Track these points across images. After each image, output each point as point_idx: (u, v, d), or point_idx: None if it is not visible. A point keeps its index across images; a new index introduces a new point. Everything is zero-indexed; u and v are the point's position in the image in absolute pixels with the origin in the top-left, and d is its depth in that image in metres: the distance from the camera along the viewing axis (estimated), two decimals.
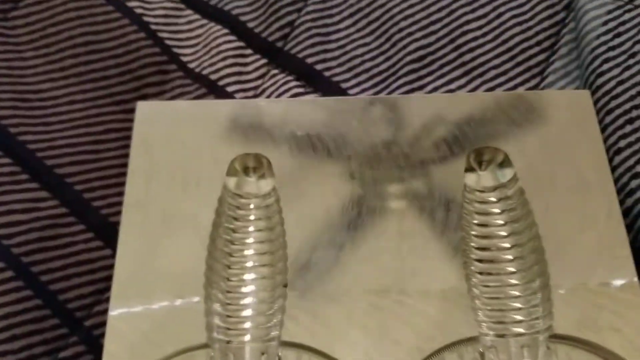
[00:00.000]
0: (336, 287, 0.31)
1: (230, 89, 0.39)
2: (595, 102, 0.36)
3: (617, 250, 0.31)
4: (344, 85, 0.40)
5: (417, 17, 0.41)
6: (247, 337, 0.30)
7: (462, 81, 0.39)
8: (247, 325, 0.31)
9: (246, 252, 0.33)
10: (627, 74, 0.37)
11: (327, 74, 0.40)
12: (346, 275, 0.31)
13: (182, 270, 0.31)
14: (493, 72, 0.40)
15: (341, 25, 0.42)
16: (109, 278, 0.31)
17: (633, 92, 0.36)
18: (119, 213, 0.33)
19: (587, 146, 0.34)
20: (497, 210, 0.34)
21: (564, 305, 0.30)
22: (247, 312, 0.31)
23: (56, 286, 0.31)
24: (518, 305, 0.31)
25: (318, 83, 0.40)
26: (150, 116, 0.35)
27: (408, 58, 0.40)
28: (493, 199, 0.34)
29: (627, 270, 0.31)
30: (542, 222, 0.32)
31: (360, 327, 0.30)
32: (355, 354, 0.29)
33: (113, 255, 0.32)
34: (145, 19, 0.41)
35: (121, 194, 0.33)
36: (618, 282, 0.30)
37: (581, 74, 0.38)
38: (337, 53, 0.41)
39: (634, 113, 0.35)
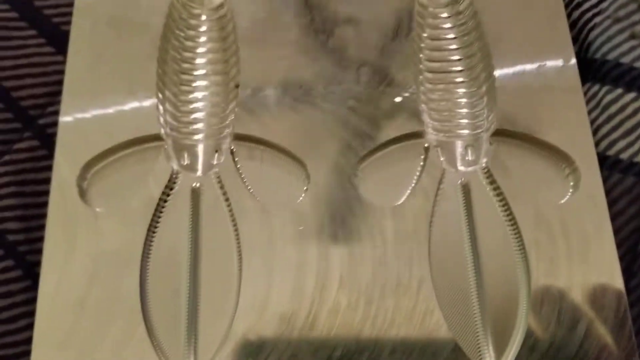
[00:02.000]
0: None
1: None
2: None
3: (561, 55, 0.32)
4: None
5: None
6: (200, 136, 0.31)
7: None
8: (200, 125, 0.31)
9: (198, 61, 0.33)
10: None
11: None
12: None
13: (134, 71, 0.31)
14: None
15: None
16: (61, 83, 0.31)
17: None
18: (70, 23, 0.32)
19: None
20: (448, 25, 0.34)
21: (509, 104, 0.31)
22: (200, 115, 0.32)
23: (8, 83, 0.31)
24: (465, 110, 0.33)
25: None
26: None
27: None
28: (444, 15, 0.35)
29: (570, 75, 0.32)
30: (490, 30, 0.33)
31: (313, 124, 0.31)
32: (307, 145, 0.30)
33: (65, 62, 0.32)
34: None
35: (72, 4, 0.33)
36: (561, 85, 0.31)
37: None
38: None
39: None
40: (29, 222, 0.30)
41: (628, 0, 0.33)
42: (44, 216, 0.29)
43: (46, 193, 0.29)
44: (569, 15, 0.34)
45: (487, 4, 0.33)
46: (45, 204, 0.29)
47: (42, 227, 0.29)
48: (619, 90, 0.31)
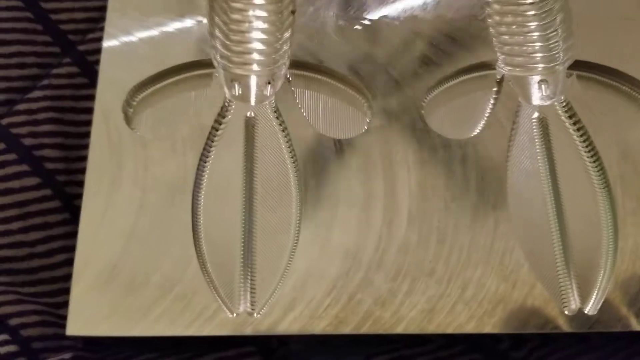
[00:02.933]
0: None
1: None
2: None
3: None
4: None
5: None
6: (254, 67, 0.29)
7: None
8: (252, 56, 0.29)
9: None
10: None
11: None
12: None
13: None
14: None
15: None
16: (102, 9, 0.29)
17: None
18: None
19: None
20: None
21: (587, 35, 0.29)
22: (251, 45, 0.29)
23: (48, 5, 0.29)
24: (539, 44, 0.30)
25: None
26: None
27: None
28: None
29: None
30: None
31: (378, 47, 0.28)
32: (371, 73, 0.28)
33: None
34: None
35: None
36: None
37: None
38: None
39: None
40: (69, 152, 0.27)
41: None
42: (84, 147, 0.27)
43: (86, 123, 0.27)
44: None
45: None
46: (85, 135, 0.27)
47: (82, 159, 0.27)
48: None
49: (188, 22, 0.29)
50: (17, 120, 0.27)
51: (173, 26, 0.28)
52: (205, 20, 0.29)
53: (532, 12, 0.31)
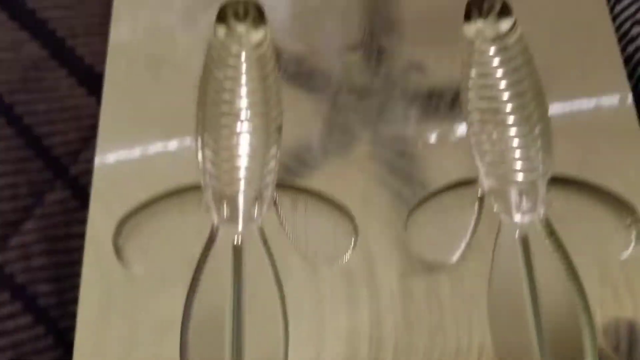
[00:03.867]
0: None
1: None
2: None
3: (618, 94, 0.30)
4: None
5: None
6: (241, 184, 0.29)
7: None
8: (241, 172, 0.30)
9: (238, 102, 0.31)
10: None
11: None
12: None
13: (172, 113, 0.30)
14: None
15: None
16: (95, 127, 0.30)
17: None
18: (103, 62, 0.31)
19: None
20: (496, 61, 0.33)
21: (563, 143, 0.30)
22: (240, 161, 0.30)
23: (40, 130, 0.30)
24: (518, 153, 0.31)
25: None
26: None
27: None
28: (492, 50, 0.33)
29: (628, 114, 0.30)
30: (542, 69, 0.31)
31: (360, 171, 0.29)
32: (354, 194, 0.28)
33: (99, 104, 0.31)
34: None
35: (106, 42, 0.31)
36: (619, 126, 0.30)
37: None
38: None
39: None
40: (61, 283, 0.28)
41: None
42: (76, 275, 0.27)
43: (79, 249, 0.28)
44: (623, 49, 0.32)
45: (538, 40, 0.32)
46: (77, 262, 0.27)
47: (74, 288, 0.27)
48: None
49: (178, 144, 0.29)
50: (10, 257, 0.28)
51: (163, 147, 0.29)
52: (193, 143, 0.30)
53: (512, 120, 0.32)
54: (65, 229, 0.29)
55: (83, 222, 0.28)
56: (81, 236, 0.28)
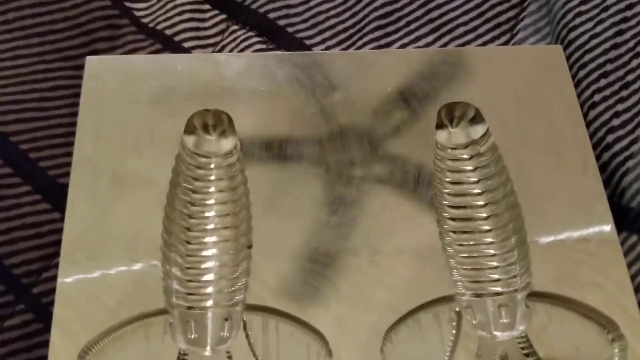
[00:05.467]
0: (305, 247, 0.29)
1: (187, 44, 0.37)
2: (568, 57, 0.35)
3: (595, 204, 0.30)
4: (308, 42, 0.38)
5: None
6: (209, 303, 0.28)
7: (430, 38, 0.38)
8: (209, 290, 0.29)
9: (207, 214, 0.31)
10: (599, 27, 0.36)
11: (290, 29, 0.38)
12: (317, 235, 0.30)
13: (136, 232, 0.29)
14: (462, 29, 0.38)
15: None
16: (57, 243, 0.29)
17: (607, 45, 0.35)
18: (67, 174, 0.30)
19: (561, 101, 0.33)
20: (469, 168, 0.32)
21: (542, 261, 0.29)
22: (209, 277, 0.29)
23: (1, 250, 0.29)
24: (494, 264, 0.30)
25: (280, 39, 0.38)
26: (100, 71, 0.33)
27: (374, 14, 0.38)
28: (465, 156, 0.33)
29: (605, 225, 0.30)
30: (517, 179, 0.31)
31: (332, 289, 0.28)
32: (326, 317, 0.27)
33: (62, 219, 0.30)
34: None
35: (70, 154, 0.31)
36: (597, 238, 0.29)
37: (552, 30, 0.37)
38: (300, 8, 0.39)
39: (608, 67, 0.34)
40: None
41: None
42: None
43: None
44: (598, 157, 0.32)
45: (510, 151, 0.31)
46: None
47: None
48: None
49: (144, 264, 0.28)
50: None
51: (128, 268, 0.28)
52: (159, 262, 0.29)
53: (487, 228, 0.31)
54: (26, 354, 0.27)
55: (47, 345, 0.26)
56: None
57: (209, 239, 0.30)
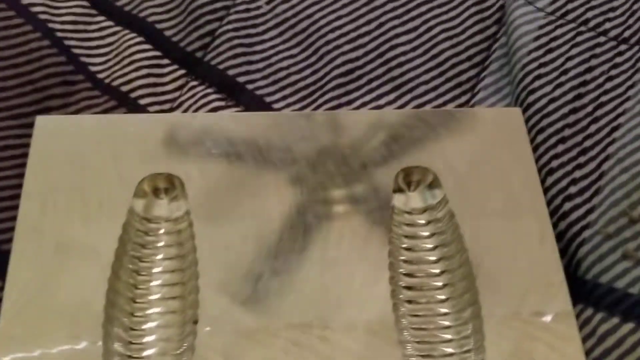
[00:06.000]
0: (253, 322, 0.28)
1: (143, 101, 0.36)
2: (527, 120, 0.35)
3: (551, 276, 0.30)
4: (268, 99, 0.37)
5: (345, 29, 0.39)
6: None
7: (391, 97, 0.38)
8: None
9: (153, 283, 0.30)
10: (558, 91, 0.35)
11: (250, 86, 0.37)
12: (264, 308, 0.29)
13: (79, 307, 0.28)
14: (423, 88, 0.38)
15: (266, 36, 0.39)
16: None
17: (565, 110, 0.35)
18: (11, 240, 0.29)
19: (519, 166, 0.33)
20: (426, 234, 0.32)
21: (496, 336, 0.28)
22: (152, 351, 0.28)
23: None
24: (448, 336, 0.30)
25: (240, 96, 0.37)
26: (51, 131, 0.32)
27: (336, 72, 0.38)
28: (422, 221, 0.32)
29: (561, 298, 0.29)
30: (472, 247, 0.31)
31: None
32: None
33: (2, 288, 0.29)
34: (51, 25, 0.37)
35: (15, 218, 0.30)
36: (552, 311, 0.29)
37: (512, 91, 0.37)
38: (261, 65, 0.38)
39: (567, 132, 0.34)
40: None
41: (617, 214, 0.31)
42: None
43: None
44: (555, 225, 0.32)
45: (466, 218, 0.31)
46: None
47: None
48: (615, 320, 0.29)
49: (87, 342, 0.27)
50: None
51: (70, 347, 0.27)
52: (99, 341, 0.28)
53: (443, 297, 0.30)
54: None
55: None
56: None
57: (155, 310, 0.29)
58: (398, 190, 0.32)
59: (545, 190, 0.33)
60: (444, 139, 0.34)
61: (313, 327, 0.28)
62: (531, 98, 0.36)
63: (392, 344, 0.28)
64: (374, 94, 0.38)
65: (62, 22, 0.38)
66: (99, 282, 0.28)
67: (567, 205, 0.32)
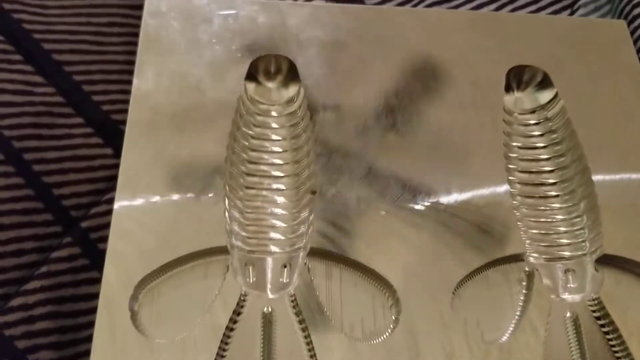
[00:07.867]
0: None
1: None
2: (632, 32, 0.34)
3: None
4: None
5: None
6: (268, 248, 0.27)
7: (492, 7, 0.37)
8: (268, 235, 0.27)
9: (265, 161, 0.29)
10: None
11: None
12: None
13: (197, 166, 0.27)
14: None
15: None
16: (109, 178, 0.28)
17: None
18: (121, 111, 0.29)
19: (627, 74, 0.32)
20: (537, 133, 0.31)
21: (613, 225, 0.28)
22: (267, 222, 0.28)
23: (50, 179, 0.27)
24: (562, 228, 0.29)
25: None
26: (161, 8, 0.32)
27: None
28: (532, 122, 0.32)
29: None
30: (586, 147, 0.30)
31: (399, 240, 0.27)
32: (394, 264, 0.26)
33: (115, 155, 0.28)
34: None
35: (124, 91, 0.29)
36: None
37: (614, 8, 0.36)
38: None
39: None
40: (65, 351, 0.25)
41: None
42: (82, 342, 0.24)
43: (86, 312, 0.25)
44: None
45: (584, 117, 0.30)
46: (85, 327, 0.24)
47: (79, 356, 0.24)
48: None
49: (203, 204, 0.27)
50: (11, 319, 0.24)
51: (187, 208, 0.27)
52: (220, 202, 0.27)
53: (554, 193, 0.30)
54: (73, 289, 0.26)
55: (93, 282, 0.25)
56: (90, 298, 0.25)
57: (267, 185, 0.29)
58: (507, 89, 0.32)
59: None
60: (550, 43, 0.33)
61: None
62: (636, 11, 0.35)
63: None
64: (474, 3, 0.37)
65: None
66: (217, 147, 0.27)
67: None
